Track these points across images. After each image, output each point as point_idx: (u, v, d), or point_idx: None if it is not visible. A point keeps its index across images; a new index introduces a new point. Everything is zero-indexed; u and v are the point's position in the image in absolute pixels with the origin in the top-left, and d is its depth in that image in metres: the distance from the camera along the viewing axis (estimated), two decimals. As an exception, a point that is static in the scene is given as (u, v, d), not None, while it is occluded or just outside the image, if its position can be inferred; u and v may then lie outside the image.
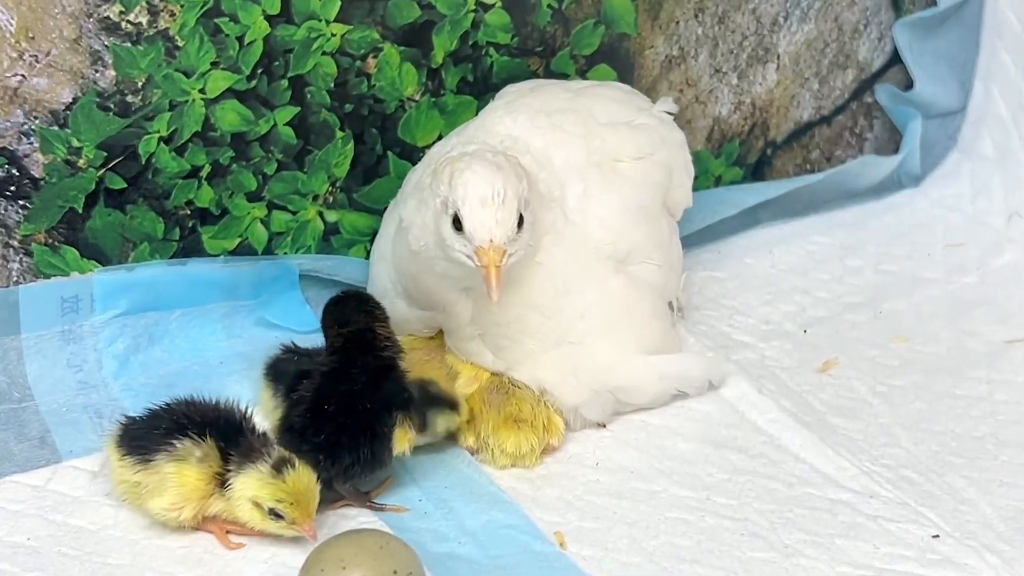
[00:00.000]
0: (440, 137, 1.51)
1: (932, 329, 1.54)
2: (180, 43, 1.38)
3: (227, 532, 1.20)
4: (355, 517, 1.23)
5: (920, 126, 1.79)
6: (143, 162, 1.41)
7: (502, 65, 1.54)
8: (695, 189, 1.52)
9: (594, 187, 1.34)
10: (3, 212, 1.36)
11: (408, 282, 1.34)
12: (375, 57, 1.48)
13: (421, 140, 1.53)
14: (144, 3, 1.35)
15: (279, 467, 1.16)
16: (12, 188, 1.36)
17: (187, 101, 1.41)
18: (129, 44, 1.36)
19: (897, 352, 1.50)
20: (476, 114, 1.48)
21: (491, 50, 1.54)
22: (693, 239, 1.62)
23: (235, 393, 1.32)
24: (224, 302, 1.47)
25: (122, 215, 1.42)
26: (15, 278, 1.39)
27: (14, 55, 1.31)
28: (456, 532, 1.22)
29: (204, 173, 1.44)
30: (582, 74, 1.59)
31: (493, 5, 1.51)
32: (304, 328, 1.48)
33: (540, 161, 1.32)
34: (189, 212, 1.45)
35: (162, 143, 1.41)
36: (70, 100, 1.35)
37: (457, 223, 1.20)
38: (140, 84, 1.38)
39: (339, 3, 1.44)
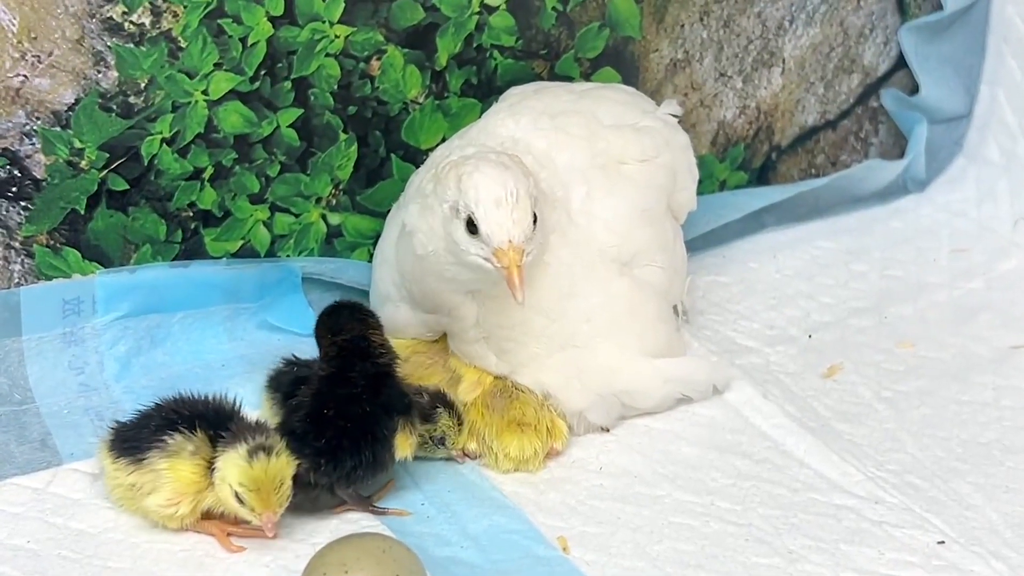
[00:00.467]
0: (444, 140, 1.51)
1: (938, 334, 1.54)
2: (183, 44, 1.38)
3: (228, 534, 1.20)
4: (357, 521, 1.23)
5: (926, 131, 1.79)
6: (145, 163, 1.40)
7: (506, 68, 1.54)
8: (700, 193, 1.52)
9: (598, 190, 1.34)
10: (5, 213, 1.36)
11: (412, 286, 1.34)
12: (379, 59, 1.48)
13: (425, 143, 1.53)
14: (147, 4, 1.35)
15: (253, 452, 1.16)
16: (14, 189, 1.36)
17: (190, 102, 1.40)
18: (132, 45, 1.36)
19: (902, 357, 1.50)
20: (480, 117, 1.47)
21: (495, 53, 1.53)
22: (697, 243, 1.62)
23: (237, 396, 1.32)
24: (226, 305, 1.47)
25: (124, 217, 1.41)
26: (16, 279, 1.38)
27: (16, 55, 1.31)
28: (458, 536, 1.22)
29: (207, 175, 1.44)
30: (586, 77, 1.58)
31: (497, 7, 1.51)
32: (306, 331, 1.47)
33: (541, 162, 1.31)
34: (191, 214, 1.45)
35: (164, 144, 1.41)
36: (72, 101, 1.35)
37: (471, 226, 1.19)
38: (143, 85, 1.38)
39: (343, 5, 1.43)
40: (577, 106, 1.40)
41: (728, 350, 1.49)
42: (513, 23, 1.53)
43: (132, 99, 1.38)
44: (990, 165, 1.78)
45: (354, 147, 1.50)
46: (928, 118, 1.79)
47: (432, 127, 1.52)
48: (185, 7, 1.36)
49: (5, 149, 1.34)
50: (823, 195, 1.74)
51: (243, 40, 1.41)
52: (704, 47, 1.66)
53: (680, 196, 1.45)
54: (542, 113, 1.36)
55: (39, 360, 1.38)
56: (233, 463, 1.16)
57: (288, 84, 1.44)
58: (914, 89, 1.81)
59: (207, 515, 1.20)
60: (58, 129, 1.35)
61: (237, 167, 1.45)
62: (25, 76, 1.32)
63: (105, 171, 1.39)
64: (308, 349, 1.44)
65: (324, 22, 1.43)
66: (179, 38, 1.38)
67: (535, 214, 1.20)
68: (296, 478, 1.19)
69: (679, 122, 1.51)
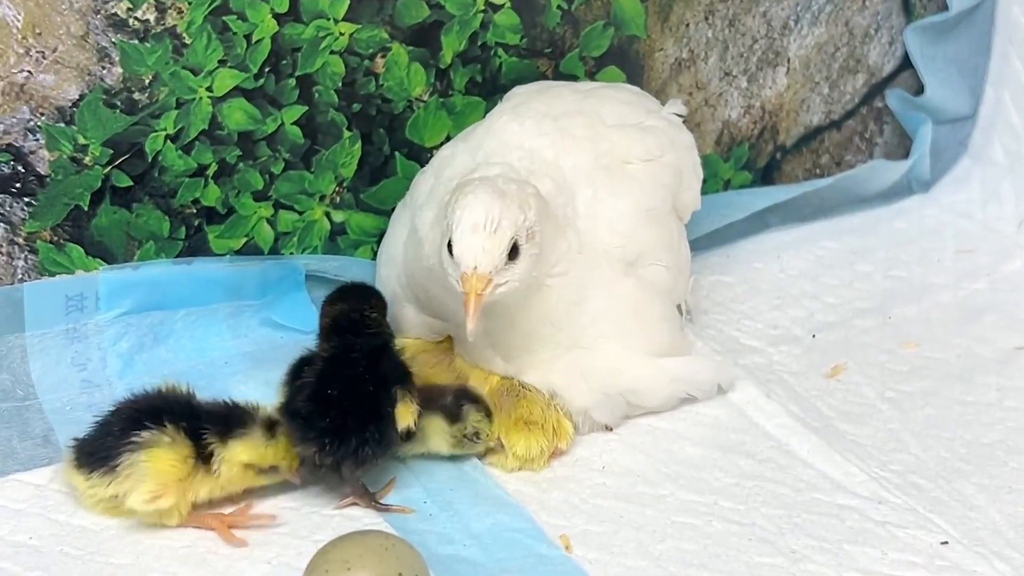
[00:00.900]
0: (448, 138, 1.51)
1: (942, 335, 1.53)
2: (188, 40, 1.38)
3: (229, 526, 1.20)
4: (360, 518, 1.22)
5: (930, 131, 1.79)
6: (149, 160, 1.40)
7: (511, 66, 1.54)
8: (704, 193, 1.51)
9: (603, 190, 1.33)
10: (8, 209, 1.36)
11: (419, 291, 1.34)
12: (383, 57, 1.48)
13: (429, 141, 1.52)
14: (151, 0, 1.35)
15: (270, 429, 1.20)
16: (17, 185, 1.35)
17: (194, 99, 1.40)
18: (136, 41, 1.35)
19: (906, 358, 1.49)
20: (484, 115, 1.47)
21: (500, 51, 1.53)
22: (702, 243, 1.62)
23: (240, 393, 1.33)
24: (229, 302, 1.46)
25: (128, 213, 1.41)
26: (20, 275, 1.38)
27: (21, 51, 1.31)
28: (461, 535, 1.21)
29: (210, 172, 1.44)
30: (591, 76, 1.58)
31: (502, 6, 1.51)
32: (310, 329, 1.47)
33: (557, 181, 1.31)
34: (195, 211, 1.44)
35: (169, 141, 1.40)
36: (76, 97, 1.35)
37: (451, 247, 1.19)
38: (147, 81, 1.37)
39: (348, 2, 1.43)
40: (581, 106, 1.40)
41: (732, 350, 1.49)
42: (518, 21, 1.52)
43: (136, 95, 1.38)
44: (995, 166, 1.78)
45: (358, 145, 1.49)
46: (933, 119, 1.79)
47: (436, 125, 1.52)
48: (189, 3, 1.36)
49: (9, 145, 1.34)
50: (827, 195, 1.74)
51: (247, 37, 1.41)
52: (709, 46, 1.66)
53: (685, 196, 1.45)
54: (545, 116, 1.36)
55: (42, 356, 1.38)
56: (255, 447, 1.20)
57: (292, 81, 1.44)
58: (919, 90, 1.81)
59: (198, 507, 1.21)
60: (62, 125, 1.35)
61: (241, 164, 1.45)
62: (29, 72, 1.32)
63: (109, 167, 1.39)
64: (312, 346, 1.44)
65: (329, 19, 1.43)
66: (183, 34, 1.37)
67: (517, 247, 1.19)
68: (304, 460, 1.20)
69: (683, 122, 1.50)
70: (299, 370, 1.26)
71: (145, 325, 1.42)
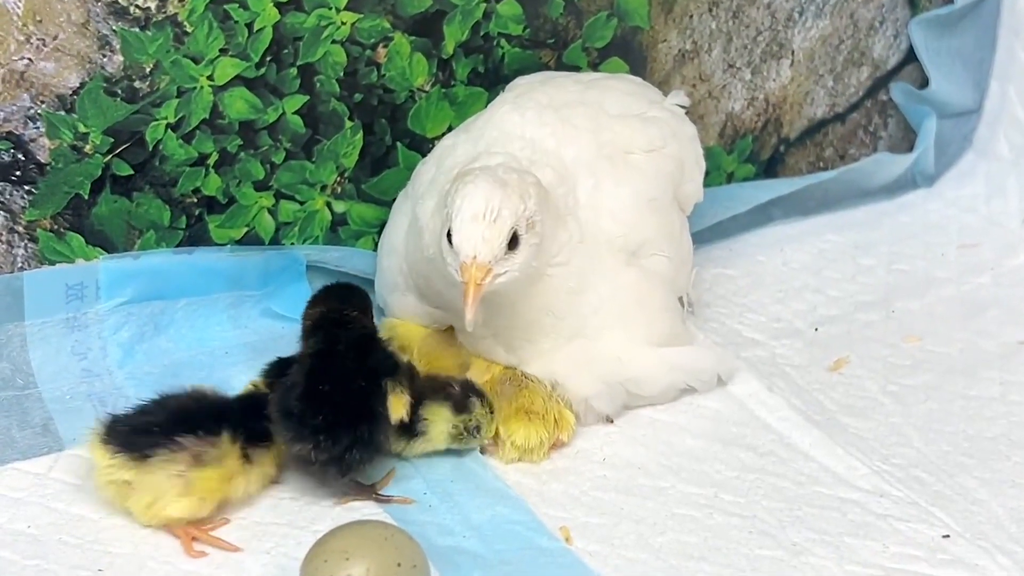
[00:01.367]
0: (450, 128, 1.50)
1: (945, 329, 1.53)
2: (189, 29, 1.37)
3: (192, 539, 1.18)
4: (359, 509, 1.22)
5: (935, 125, 1.78)
6: (150, 149, 1.40)
7: (513, 57, 1.53)
8: (707, 185, 1.51)
9: (605, 180, 1.33)
10: (8, 197, 1.36)
11: (420, 280, 1.34)
12: (385, 46, 1.47)
13: (431, 131, 1.52)
14: (153, -12, 1.35)
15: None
16: (18, 173, 1.35)
17: (195, 88, 1.40)
18: (137, 29, 1.35)
19: (909, 352, 1.49)
20: (486, 106, 1.47)
21: (503, 41, 1.52)
22: (704, 235, 1.61)
23: (240, 383, 1.32)
24: (230, 292, 1.46)
25: (128, 202, 1.41)
26: (20, 264, 1.38)
27: (21, 38, 1.31)
28: (461, 526, 1.21)
29: (211, 161, 1.43)
30: (594, 67, 1.58)
31: (505, -4, 1.51)
32: (310, 319, 1.47)
33: (559, 171, 1.30)
34: (196, 200, 1.44)
35: (169, 130, 1.40)
36: (77, 85, 1.34)
37: (450, 236, 1.19)
38: (148, 70, 1.37)
39: (350, -9, 1.43)
40: (583, 97, 1.39)
41: (734, 343, 1.49)
42: (521, 12, 1.52)
43: (137, 84, 1.37)
44: (999, 160, 1.78)
45: (360, 135, 1.49)
46: (937, 112, 1.78)
47: (438, 116, 1.52)
48: (191, -8, 1.36)
49: (9, 133, 1.33)
50: (831, 188, 1.74)
51: (249, 26, 1.40)
52: (713, 38, 1.65)
53: (687, 187, 1.44)
54: (547, 107, 1.36)
55: (42, 345, 1.38)
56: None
57: (294, 71, 1.44)
58: (924, 83, 1.80)
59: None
60: (63, 113, 1.35)
61: (242, 153, 1.44)
62: (30, 59, 1.32)
63: (109, 156, 1.38)
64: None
65: (331, 8, 1.43)
66: (185, 23, 1.37)
67: (516, 237, 1.19)
68: (300, 458, 1.20)
69: (686, 113, 1.50)
70: (280, 369, 1.26)
71: (145, 314, 1.42)
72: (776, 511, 1.24)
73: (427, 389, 1.28)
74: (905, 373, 1.45)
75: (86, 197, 1.39)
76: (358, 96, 1.48)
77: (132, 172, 1.40)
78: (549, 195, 1.26)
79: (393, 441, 1.26)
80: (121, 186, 1.40)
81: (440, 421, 1.27)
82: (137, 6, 1.34)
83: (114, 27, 1.34)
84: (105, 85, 1.35)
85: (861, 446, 1.33)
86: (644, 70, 1.60)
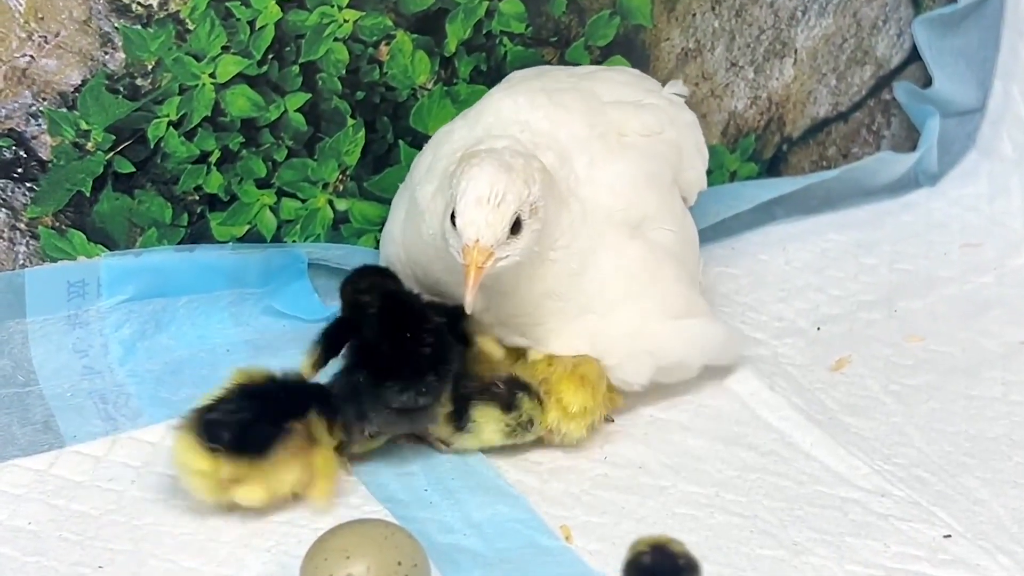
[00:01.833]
0: (452, 126, 1.50)
1: (947, 329, 1.53)
2: (191, 26, 1.37)
3: None
4: (359, 507, 1.22)
5: (938, 124, 1.77)
6: (152, 146, 1.40)
7: (516, 55, 1.53)
8: (709, 184, 1.51)
9: (600, 156, 1.32)
10: (10, 194, 1.36)
11: (418, 269, 1.33)
12: (388, 44, 1.47)
13: (433, 129, 1.51)
14: (155, -15, 1.35)
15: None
16: (19, 170, 1.35)
17: (197, 85, 1.40)
18: (139, 26, 1.35)
19: (912, 351, 1.49)
20: (487, 103, 1.46)
21: (505, 39, 1.52)
22: (707, 234, 1.60)
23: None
24: (232, 289, 1.46)
25: (130, 200, 1.41)
26: (21, 261, 1.38)
27: (23, 35, 1.31)
28: (461, 524, 1.21)
29: (213, 159, 1.43)
30: (596, 65, 1.57)
31: (508, -6, 1.51)
32: (312, 317, 1.47)
33: (562, 156, 1.30)
34: (198, 198, 1.44)
35: (171, 127, 1.40)
36: (79, 82, 1.34)
37: (454, 218, 1.19)
38: (150, 67, 1.37)
39: (352, -11, 1.43)
40: (576, 85, 1.39)
41: (742, 340, 1.48)
42: (523, 10, 1.52)
43: (139, 81, 1.37)
44: (1003, 160, 1.77)
45: (362, 133, 1.49)
46: (941, 112, 1.78)
47: (440, 113, 1.51)
48: (193, -11, 1.36)
49: (11, 130, 1.34)
50: (834, 187, 1.73)
51: (251, 23, 1.40)
52: (716, 36, 1.65)
53: (688, 175, 1.43)
54: (539, 91, 1.35)
55: (43, 342, 1.38)
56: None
57: (296, 68, 1.44)
58: (927, 82, 1.80)
59: None
60: (64, 110, 1.35)
61: (244, 151, 1.44)
62: (32, 56, 1.32)
63: (111, 153, 1.38)
64: (313, 335, 1.44)
65: (333, 6, 1.43)
66: (187, 20, 1.37)
67: (520, 222, 1.19)
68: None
69: (685, 103, 1.49)
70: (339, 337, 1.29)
71: (147, 312, 1.42)
72: (777, 510, 1.24)
73: (473, 390, 1.27)
74: (907, 373, 1.45)
75: (88, 194, 1.39)
76: (360, 94, 1.48)
77: (134, 169, 1.40)
78: (553, 179, 1.25)
79: (441, 427, 1.27)
80: (123, 183, 1.40)
81: (490, 422, 1.27)
82: (139, 3, 1.34)
83: (116, 24, 1.34)
84: (107, 82, 1.35)
85: (863, 446, 1.33)
86: (647, 68, 1.60)
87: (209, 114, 1.41)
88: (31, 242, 1.38)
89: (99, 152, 1.38)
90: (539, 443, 1.31)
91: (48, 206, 1.38)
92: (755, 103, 1.71)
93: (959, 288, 1.61)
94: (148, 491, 1.24)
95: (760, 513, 1.24)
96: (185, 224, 1.44)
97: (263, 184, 1.47)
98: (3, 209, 1.36)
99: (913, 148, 1.80)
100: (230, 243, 1.46)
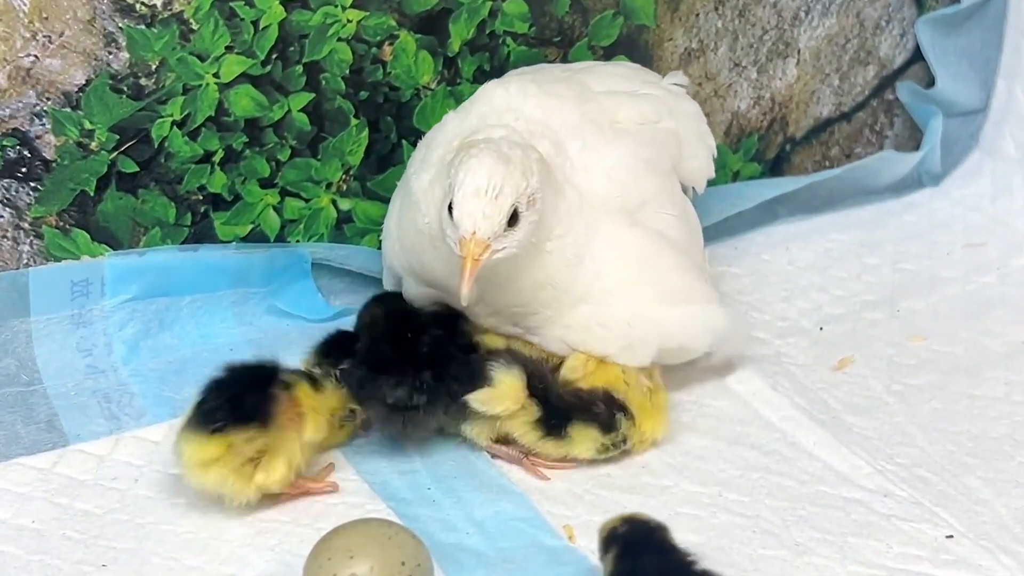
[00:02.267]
0: (456, 126, 1.50)
1: (950, 329, 1.53)
2: (195, 26, 1.37)
3: (304, 492, 1.23)
4: (363, 505, 1.22)
5: (941, 124, 1.78)
6: (156, 146, 1.40)
7: (519, 55, 1.53)
8: (712, 184, 1.51)
9: (593, 141, 1.31)
10: (14, 194, 1.36)
11: (414, 260, 1.32)
12: (391, 44, 1.47)
13: (436, 129, 1.52)
14: (159, -15, 1.35)
15: (313, 382, 1.24)
16: (23, 170, 1.35)
17: (201, 85, 1.40)
18: (143, 26, 1.35)
19: (914, 351, 1.49)
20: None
21: (508, 39, 1.52)
22: (710, 234, 1.60)
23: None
24: (235, 289, 1.46)
25: (134, 199, 1.41)
26: (25, 260, 1.38)
27: (27, 35, 1.31)
28: (464, 523, 1.21)
29: (217, 158, 1.44)
30: (600, 65, 1.58)
31: (511, -6, 1.51)
32: (315, 317, 1.48)
33: (557, 144, 1.29)
34: (201, 197, 1.44)
35: (175, 127, 1.40)
36: (83, 82, 1.35)
37: (451, 209, 1.18)
38: (154, 67, 1.37)
39: (356, -11, 1.43)
40: (570, 76, 1.39)
41: (747, 328, 1.48)
42: (527, 10, 1.52)
43: (143, 81, 1.37)
44: (1006, 160, 1.77)
45: (365, 132, 1.49)
46: (944, 111, 1.78)
47: (444, 113, 1.49)
48: (197, -11, 1.36)
49: (15, 129, 1.34)
50: (837, 187, 1.73)
51: (255, 23, 1.40)
52: (719, 37, 1.65)
53: (691, 163, 1.42)
54: (530, 81, 1.34)
55: (47, 341, 1.38)
56: (335, 394, 1.26)
57: (300, 68, 1.44)
58: (930, 82, 1.80)
59: None
60: (68, 110, 1.35)
61: (247, 151, 1.45)
62: (36, 56, 1.32)
63: (115, 153, 1.39)
64: (317, 334, 1.44)
65: (336, 6, 1.43)
66: (191, 20, 1.37)
67: (517, 214, 1.19)
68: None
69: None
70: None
71: (151, 311, 1.42)
72: (780, 510, 1.24)
73: (574, 408, 1.27)
74: (910, 372, 1.45)
75: (92, 194, 1.39)
76: (364, 94, 1.48)
77: (138, 169, 1.40)
78: (550, 169, 1.25)
79: (530, 430, 1.27)
80: (127, 183, 1.40)
81: (586, 440, 1.26)
82: (143, 3, 1.35)
83: (120, 24, 1.34)
84: (111, 82, 1.36)
85: (865, 445, 1.33)
86: (650, 69, 1.60)
87: (213, 114, 1.41)
88: (35, 241, 1.38)
89: (103, 152, 1.38)
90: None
91: (52, 205, 1.38)
92: (758, 103, 1.71)
93: (962, 288, 1.61)
94: (151, 490, 1.24)
95: (762, 513, 1.24)
96: (189, 224, 1.45)
97: (267, 184, 1.47)
98: (7, 208, 1.36)
99: (916, 148, 1.80)
100: (234, 243, 1.47)
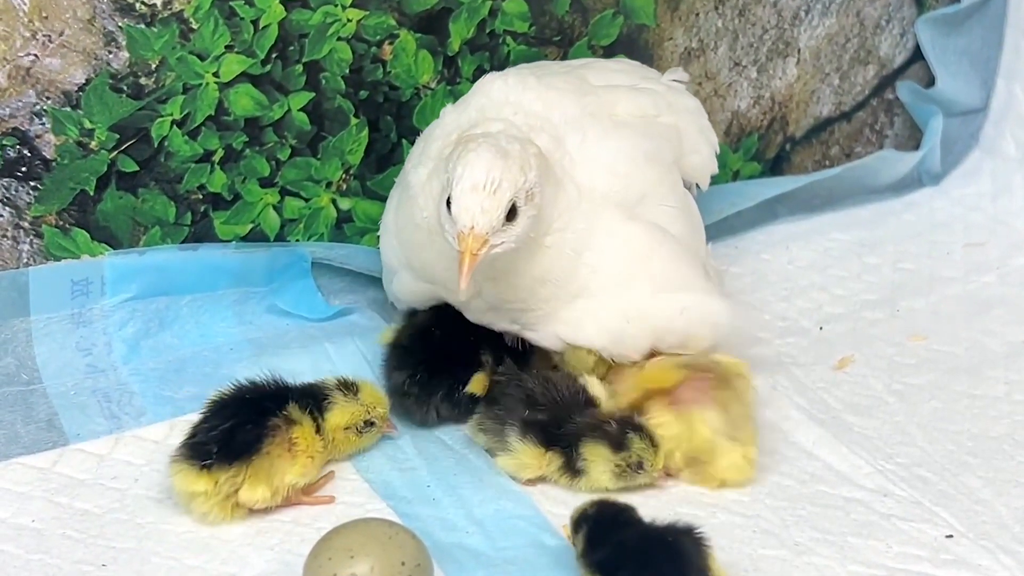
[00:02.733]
0: (456, 126, 1.50)
1: (950, 328, 1.53)
2: (195, 25, 1.37)
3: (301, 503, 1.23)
4: (363, 504, 1.22)
5: (941, 124, 1.78)
6: (155, 145, 1.40)
7: (519, 54, 1.53)
8: (712, 183, 1.51)
9: (593, 134, 1.30)
10: (14, 193, 1.36)
11: (411, 255, 1.32)
12: (391, 43, 1.47)
13: (436, 128, 1.52)
14: (159, -15, 1.35)
15: (347, 388, 1.26)
16: (23, 169, 1.35)
17: (201, 84, 1.40)
18: (143, 26, 1.35)
19: (914, 351, 1.49)
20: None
21: (508, 39, 1.52)
22: (710, 233, 1.59)
23: (244, 380, 1.32)
24: (235, 288, 1.46)
25: (134, 198, 1.41)
26: (25, 260, 1.38)
27: (27, 34, 1.31)
28: (464, 521, 1.21)
29: (217, 158, 1.43)
30: (600, 64, 1.57)
31: (511, -7, 1.51)
32: (315, 316, 1.48)
33: (556, 138, 1.29)
34: (201, 197, 1.44)
35: (175, 126, 1.40)
36: (83, 81, 1.35)
37: (450, 204, 1.18)
38: (154, 66, 1.37)
39: (355, -12, 1.43)
40: (569, 71, 1.38)
41: (747, 318, 1.48)
42: (526, 9, 1.52)
43: (143, 80, 1.37)
44: (1006, 159, 1.77)
45: (365, 132, 1.49)
46: (944, 111, 1.78)
47: (444, 113, 1.52)
48: (197, -12, 1.36)
49: (15, 129, 1.34)
50: (836, 186, 1.73)
51: (255, 22, 1.40)
52: (719, 36, 1.65)
53: (693, 158, 1.42)
54: (529, 74, 1.34)
55: (47, 341, 1.38)
56: (344, 411, 1.25)
57: (299, 67, 1.44)
58: (930, 81, 1.80)
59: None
60: (68, 109, 1.35)
61: (247, 150, 1.44)
62: (36, 56, 1.32)
63: (115, 152, 1.39)
64: (317, 334, 1.44)
65: (336, 5, 1.43)
66: (191, 19, 1.37)
67: (515, 208, 1.18)
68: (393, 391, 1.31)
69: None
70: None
71: (151, 311, 1.42)
72: (779, 510, 1.24)
73: (584, 427, 1.25)
74: (910, 372, 1.45)
75: (91, 193, 1.39)
76: (364, 93, 1.48)
77: (137, 168, 1.40)
78: (548, 163, 1.24)
79: (558, 476, 1.25)
80: (126, 182, 1.40)
81: (599, 460, 1.24)
82: (143, 2, 1.35)
83: (120, 23, 1.34)
84: (111, 81, 1.36)
85: (865, 445, 1.33)
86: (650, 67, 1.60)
87: (213, 113, 1.41)
88: (35, 241, 1.38)
89: (103, 151, 1.38)
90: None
91: (52, 205, 1.38)
92: (758, 102, 1.71)
93: (962, 287, 1.61)
94: (151, 489, 1.24)
95: (762, 513, 1.23)
96: (189, 223, 1.45)
97: (266, 183, 1.47)
98: (7, 208, 1.36)
99: (916, 147, 1.80)
100: (233, 242, 1.47)
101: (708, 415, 1.26)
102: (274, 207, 1.48)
